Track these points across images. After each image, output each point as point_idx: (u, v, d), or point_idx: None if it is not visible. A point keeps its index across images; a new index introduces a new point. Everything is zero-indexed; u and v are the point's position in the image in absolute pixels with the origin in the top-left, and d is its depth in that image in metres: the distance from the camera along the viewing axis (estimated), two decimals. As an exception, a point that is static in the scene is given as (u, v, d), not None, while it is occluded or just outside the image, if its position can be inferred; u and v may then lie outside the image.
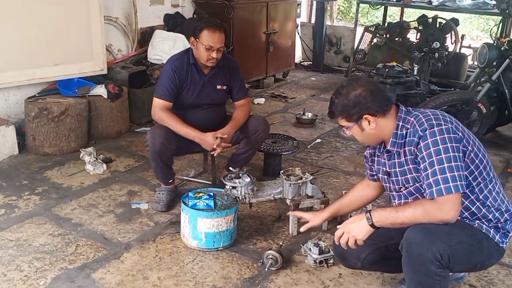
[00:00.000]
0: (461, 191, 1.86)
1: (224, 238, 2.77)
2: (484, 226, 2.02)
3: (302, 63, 7.90)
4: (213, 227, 2.71)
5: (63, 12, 4.24)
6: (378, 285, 2.53)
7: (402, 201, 2.14)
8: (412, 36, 6.89)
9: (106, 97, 4.30)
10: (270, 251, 2.60)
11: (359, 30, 7.20)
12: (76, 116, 4.06)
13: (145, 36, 5.34)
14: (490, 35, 6.18)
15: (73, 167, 3.82)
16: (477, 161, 1.98)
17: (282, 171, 2.99)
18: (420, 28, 6.32)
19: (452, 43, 6.25)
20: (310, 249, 2.67)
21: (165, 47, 5.07)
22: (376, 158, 2.25)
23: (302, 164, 3.97)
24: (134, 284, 2.47)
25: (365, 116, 2.03)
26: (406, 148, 2.02)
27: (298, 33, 7.43)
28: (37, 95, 4.19)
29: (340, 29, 7.71)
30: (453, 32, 6.14)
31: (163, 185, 3.28)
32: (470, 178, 1.98)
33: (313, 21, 7.88)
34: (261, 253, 2.71)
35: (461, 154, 1.91)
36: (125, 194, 3.41)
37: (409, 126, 2.01)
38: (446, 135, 1.90)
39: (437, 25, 6.12)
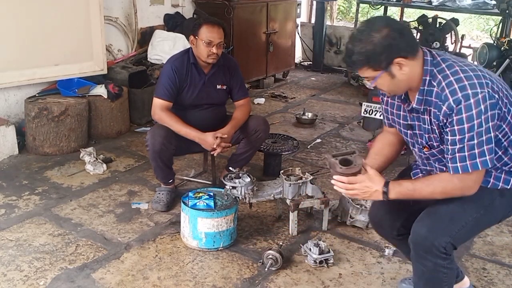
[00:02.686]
0: (488, 166, 1.76)
1: (224, 238, 2.76)
2: (501, 177, 1.90)
3: (302, 63, 7.90)
4: (213, 227, 2.71)
5: (63, 12, 4.24)
6: (378, 285, 2.53)
7: (425, 162, 2.01)
8: (412, 36, 6.88)
9: (106, 97, 4.30)
10: (270, 251, 2.60)
11: (359, 30, 7.18)
12: (76, 116, 4.06)
13: (145, 36, 5.34)
14: (490, 35, 6.18)
15: (73, 167, 3.82)
16: (509, 118, 1.83)
17: (282, 171, 2.99)
18: (420, 28, 6.32)
19: (452, 43, 6.25)
20: (310, 249, 2.67)
21: (165, 47, 5.07)
22: (395, 107, 2.03)
23: (302, 164, 3.97)
24: (134, 284, 2.47)
25: (396, 60, 1.76)
26: (432, 109, 1.83)
27: (298, 33, 7.43)
28: (37, 95, 4.19)
29: (340, 29, 7.71)
30: (453, 32, 6.14)
31: (163, 185, 3.28)
32: (500, 136, 1.84)
33: (313, 21, 7.88)
34: (261, 253, 2.71)
35: (495, 122, 1.75)
36: (125, 194, 3.41)
37: (436, 86, 1.79)
38: (482, 106, 1.70)
39: (437, 25, 6.12)
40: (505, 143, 1.85)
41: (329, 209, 3.01)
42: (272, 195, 2.94)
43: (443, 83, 1.77)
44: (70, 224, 3.00)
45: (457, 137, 1.75)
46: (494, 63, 4.28)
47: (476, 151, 1.74)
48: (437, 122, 1.83)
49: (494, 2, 5.98)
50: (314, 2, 7.70)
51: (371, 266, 2.68)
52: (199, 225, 2.71)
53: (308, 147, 4.42)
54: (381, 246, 2.84)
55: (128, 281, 2.49)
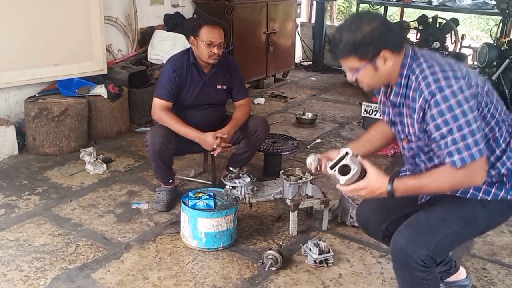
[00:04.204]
0: (485, 154, 1.72)
1: (224, 238, 2.76)
2: (482, 188, 1.86)
3: (302, 63, 7.90)
4: (213, 227, 2.71)
5: (63, 12, 4.24)
6: (378, 285, 2.53)
7: (410, 160, 1.99)
8: (412, 36, 6.88)
9: (106, 97, 4.30)
10: (270, 251, 2.60)
11: (359, 30, 7.18)
12: (76, 116, 4.06)
13: (145, 36, 5.34)
14: (490, 35, 6.18)
15: (73, 167, 3.82)
16: (489, 119, 1.82)
17: (282, 171, 2.99)
18: (420, 28, 6.31)
19: (452, 43, 6.24)
20: (310, 249, 2.67)
21: (165, 47, 5.07)
22: (381, 103, 2.04)
23: (302, 164, 3.97)
24: (134, 284, 2.47)
25: (383, 52, 1.76)
26: (410, 103, 1.82)
27: (298, 33, 7.43)
28: (37, 95, 4.19)
29: (340, 29, 7.70)
30: (453, 32, 6.13)
31: (163, 185, 3.28)
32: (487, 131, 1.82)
33: (313, 21, 7.88)
34: (261, 253, 2.71)
35: (477, 111, 1.73)
36: (125, 194, 3.41)
37: (413, 79, 1.79)
38: (460, 96, 1.68)
39: (437, 25, 6.12)
40: (484, 148, 1.76)
41: (329, 209, 3.01)
42: (272, 195, 2.94)
43: (420, 77, 1.76)
44: (70, 224, 3.00)
45: (444, 129, 1.71)
46: (494, 63, 4.28)
47: (469, 140, 1.69)
48: (415, 116, 1.80)
49: (494, 2, 5.98)
50: (314, 2, 7.70)
51: (371, 266, 2.68)
52: (199, 225, 2.71)
53: (308, 147, 4.42)
54: (381, 246, 2.83)
55: (128, 281, 2.49)
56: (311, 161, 2.00)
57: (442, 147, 1.74)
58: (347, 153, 1.79)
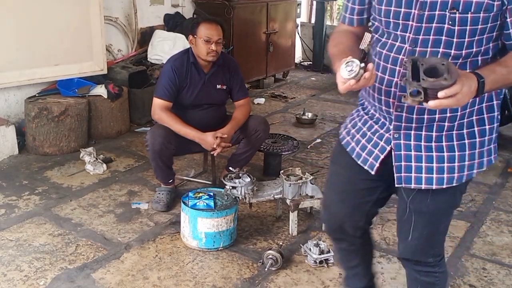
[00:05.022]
0: None
1: (224, 238, 2.76)
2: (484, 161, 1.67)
3: (302, 63, 7.90)
4: (213, 227, 2.71)
5: (63, 12, 4.24)
6: (378, 285, 2.52)
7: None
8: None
9: (106, 97, 4.30)
10: (270, 251, 2.60)
11: (359, 30, 7.19)
12: (76, 116, 4.06)
13: (145, 36, 5.34)
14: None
15: (73, 167, 3.82)
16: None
17: (282, 171, 2.99)
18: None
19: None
20: (310, 249, 2.67)
21: (165, 47, 5.07)
22: None
23: (302, 164, 3.97)
24: (134, 284, 2.47)
25: None
26: None
27: (298, 33, 7.43)
28: (37, 95, 4.19)
29: (340, 29, 7.71)
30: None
31: (163, 185, 3.28)
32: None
33: (313, 21, 7.88)
34: (261, 253, 2.71)
35: None
36: (125, 194, 3.41)
37: None
38: None
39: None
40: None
41: (329, 209, 3.01)
42: (272, 195, 2.94)
43: None
44: (70, 224, 3.00)
45: None
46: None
47: None
48: None
49: (494, 2, 5.97)
50: (314, 2, 7.70)
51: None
52: (199, 225, 2.71)
53: (308, 147, 4.42)
54: (381, 246, 2.84)
55: (128, 281, 2.49)
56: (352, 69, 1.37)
57: None
58: (412, 59, 1.34)
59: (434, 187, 1.60)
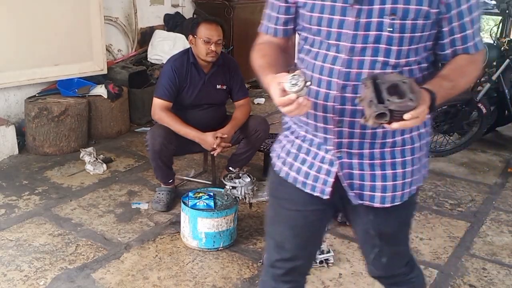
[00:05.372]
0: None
1: (224, 238, 2.76)
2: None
3: (302, 63, 7.89)
4: (213, 227, 2.71)
5: (63, 12, 4.24)
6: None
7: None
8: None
9: (106, 97, 4.30)
10: (270, 251, 2.59)
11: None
12: (76, 116, 4.06)
13: (145, 36, 5.34)
14: (490, 35, 6.17)
15: (73, 167, 3.82)
16: None
17: (282, 171, 2.98)
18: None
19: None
20: (310, 249, 2.67)
21: (165, 47, 5.07)
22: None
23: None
24: (134, 284, 2.47)
25: None
26: None
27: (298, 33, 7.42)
28: (37, 95, 4.19)
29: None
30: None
31: (163, 185, 3.28)
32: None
33: (313, 21, 7.87)
34: (261, 253, 2.71)
35: None
36: (125, 194, 3.41)
37: None
38: None
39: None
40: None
41: (329, 209, 3.01)
42: (272, 195, 2.94)
43: None
44: (70, 224, 3.00)
45: (464, 5, 1.38)
46: (494, 63, 4.27)
47: (478, 25, 1.44)
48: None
49: (494, 2, 5.98)
50: (314, 2, 7.69)
51: (371, 266, 2.68)
52: (199, 225, 2.71)
53: (308, 147, 4.41)
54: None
55: (128, 281, 2.49)
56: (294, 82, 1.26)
57: (456, 29, 1.41)
58: (373, 77, 1.26)
59: (388, 205, 1.50)
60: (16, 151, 3.99)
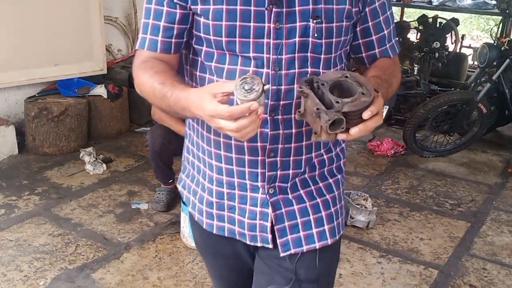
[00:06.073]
0: None
1: (224, 238, 2.76)
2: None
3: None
4: (213, 227, 2.70)
5: (63, 12, 4.24)
6: (378, 285, 2.53)
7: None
8: (412, 36, 6.89)
9: (106, 97, 4.30)
10: (270, 251, 2.59)
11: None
12: (76, 116, 4.06)
13: (145, 36, 5.34)
14: (490, 35, 6.18)
15: (73, 167, 3.82)
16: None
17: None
18: (420, 28, 6.31)
19: (452, 43, 6.25)
20: (310, 249, 2.66)
21: (165, 47, 5.07)
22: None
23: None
24: (134, 284, 2.47)
25: None
26: None
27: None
28: (37, 95, 4.19)
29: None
30: (453, 32, 6.14)
31: (163, 185, 3.28)
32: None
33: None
34: (261, 253, 2.70)
35: None
36: (125, 194, 3.41)
37: None
38: None
39: (437, 25, 6.11)
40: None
41: (329, 209, 3.00)
42: (272, 195, 2.93)
43: None
44: (70, 224, 3.00)
45: (383, 16, 1.27)
46: (494, 63, 4.27)
47: (392, 26, 1.32)
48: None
49: (494, 2, 5.98)
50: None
51: (371, 266, 2.68)
52: (199, 225, 2.71)
53: (308, 147, 4.41)
54: (381, 246, 2.84)
55: (128, 281, 2.49)
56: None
57: (373, 29, 1.28)
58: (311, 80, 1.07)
59: (318, 245, 1.29)
60: (16, 151, 3.99)
